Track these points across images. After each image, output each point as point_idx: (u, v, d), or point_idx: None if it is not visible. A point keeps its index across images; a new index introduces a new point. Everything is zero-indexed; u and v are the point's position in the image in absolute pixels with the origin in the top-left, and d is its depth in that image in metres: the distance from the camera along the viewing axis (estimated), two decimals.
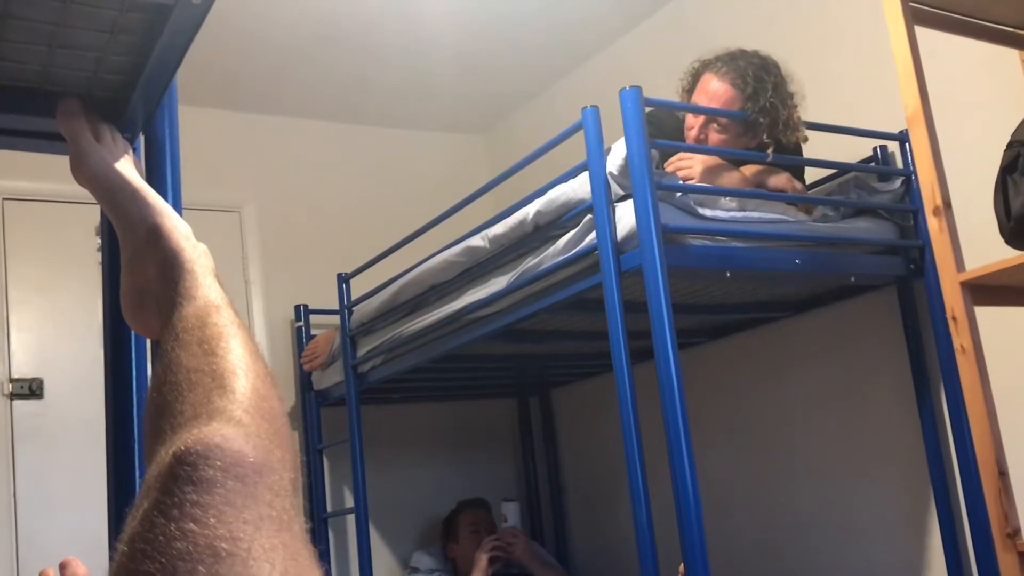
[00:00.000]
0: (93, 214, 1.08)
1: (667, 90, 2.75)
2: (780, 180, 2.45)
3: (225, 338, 0.74)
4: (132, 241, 0.94)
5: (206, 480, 0.53)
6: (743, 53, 2.45)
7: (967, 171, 2.25)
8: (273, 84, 3.76)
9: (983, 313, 1.93)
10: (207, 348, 0.72)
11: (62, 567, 1.32)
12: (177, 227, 0.93)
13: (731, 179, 2.40)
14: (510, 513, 3.56)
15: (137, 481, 1.10)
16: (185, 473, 0.53)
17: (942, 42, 2.26)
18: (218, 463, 0.54)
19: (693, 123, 2.47)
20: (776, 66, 2.44)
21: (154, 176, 1.12)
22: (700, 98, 2.46)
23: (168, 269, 0.87)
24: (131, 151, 1.05)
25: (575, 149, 2.27)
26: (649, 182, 2.06)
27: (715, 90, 2.42)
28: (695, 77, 2.51)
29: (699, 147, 2.44)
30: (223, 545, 0.50)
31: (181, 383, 0.68)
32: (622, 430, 2.07)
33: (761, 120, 2.36)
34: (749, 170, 2.45)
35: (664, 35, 3.48)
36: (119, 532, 0.54)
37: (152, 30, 0.97)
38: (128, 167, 1.00)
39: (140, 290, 0.92)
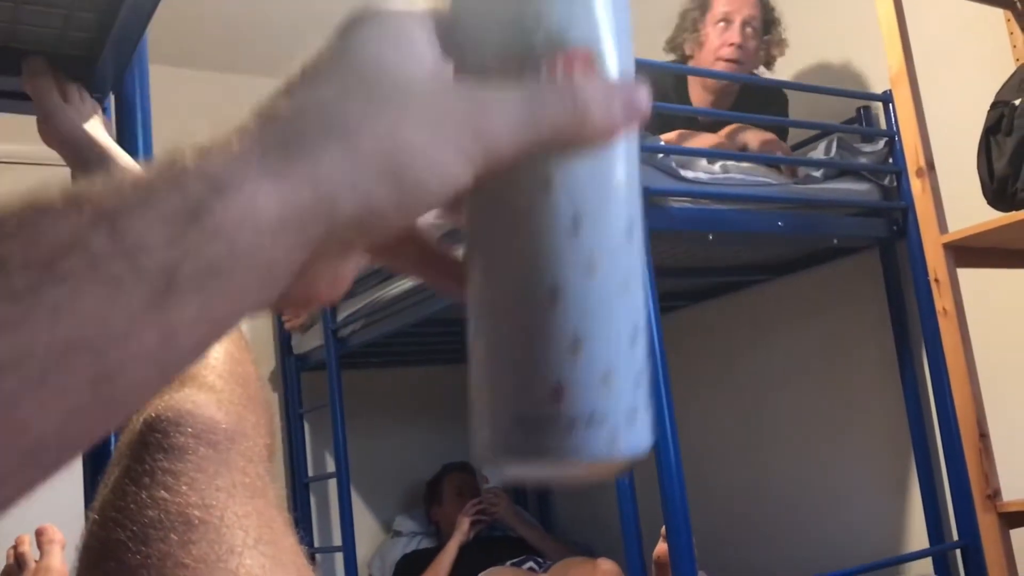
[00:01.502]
0: (60, 176, 1.05)
1: (651, 48, 2.73)
2: (755, 136, 2.43)
3: None
4: None
5: (177, 447, 0.52)
6: None
7: (951, 132, 2.24)
8: (250, 44, 3.70)
9: (965, 275, 1.93)
10: None
11: (38, 534, 1.30)
12: None
13: (707, 140, 2.40)
14: (492, 474, 3.57)
15: (112, 447, 1.08)
16: (156, 440, 0.52)
17: (926, 1, 2.24)
18: (189, 430, 0.53)
19: (724, 35, 2.49)
20: None
21: (125, 136, 1.10)
22: (730, 8, 2.49)
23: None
24: (100, 110, 1.03)
25: None
26: None
27: None
28: (702, 4, 2.55)
29: (682, 108, 2.41)
30: (195, 512, 0.49)
31: None
32: None
33: (775, 20, 2.51)
34: (723, 131, 2.44)
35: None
36: (93, 499, 0.53)
37: None
38: (97, 127, 0.98)
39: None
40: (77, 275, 0.26)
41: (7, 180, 3.36)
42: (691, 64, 2.58)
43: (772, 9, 2.56)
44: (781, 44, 2.56)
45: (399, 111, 0.32)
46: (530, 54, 0.34)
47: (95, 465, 1.08)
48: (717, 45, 2.52)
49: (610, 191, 0.35)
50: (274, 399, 3.61)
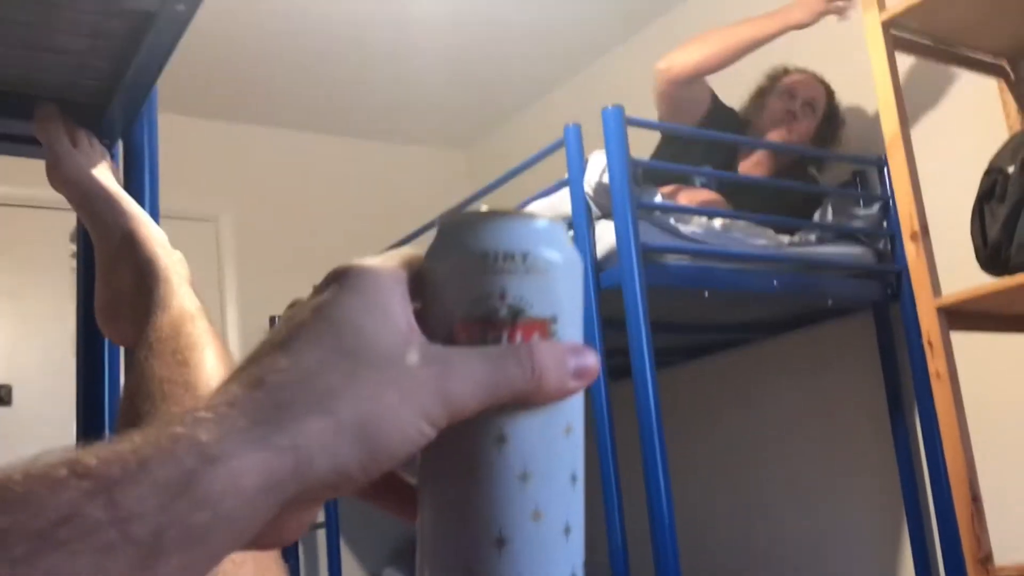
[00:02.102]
0: (66, 220, 1.07)
1: (653, 109, 2.76)
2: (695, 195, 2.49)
3: (199, 348, 0.73)
4: (107, 247, 0.93)
5: None
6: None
7: (944, 197, 2.27)
8: (253, 93, 3.74)
9: (959, 338, 1.94)
10: (180, 359, 0.71)
11: None
12: (152, 234, 0.92)
13: (700, 195, 2.45)
14: None
15: None
16: None
17: (922, 69, 2.28)
18: None
19: (787, 104, 2.61)
20: None
21: (132, 183, 1.11)
22: (800, 88, 2.62)
23: (142, 276, 0.86)
24: (108, 157, 1.04)
25: (557, 167, 2.27)
26: (630, 201, 2.06)
27: (811, 83, 2.62)
28: (773, 78, 2.68)
29: (681, 167, 2.44)
30: None
31: (154, 393, 0.67)
32: (597, 447, 2.07)
33: (836, 119, 2.61)
34: (667, 189, 2.47)
35: (648, 55, 3.49)
36: None
37: (134, 36, 0.96)
38: (105, 173, 0.99)
39: (114, 297, 0.91)
40: (73, 542, 0.29)
41: (14, 223, 3.38)
42: (750, 132, 2.65)
43: (836, 108, 2.65)
44: (831, 139, 2.65)
45: (375, 380, 0.35)
46: (493, 321, 0.38)
47: None
48: (775, 111, 2.62)
49: (558, 446, 0.39)
50: None
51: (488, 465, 0.37)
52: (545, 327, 0.38)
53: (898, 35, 2.09)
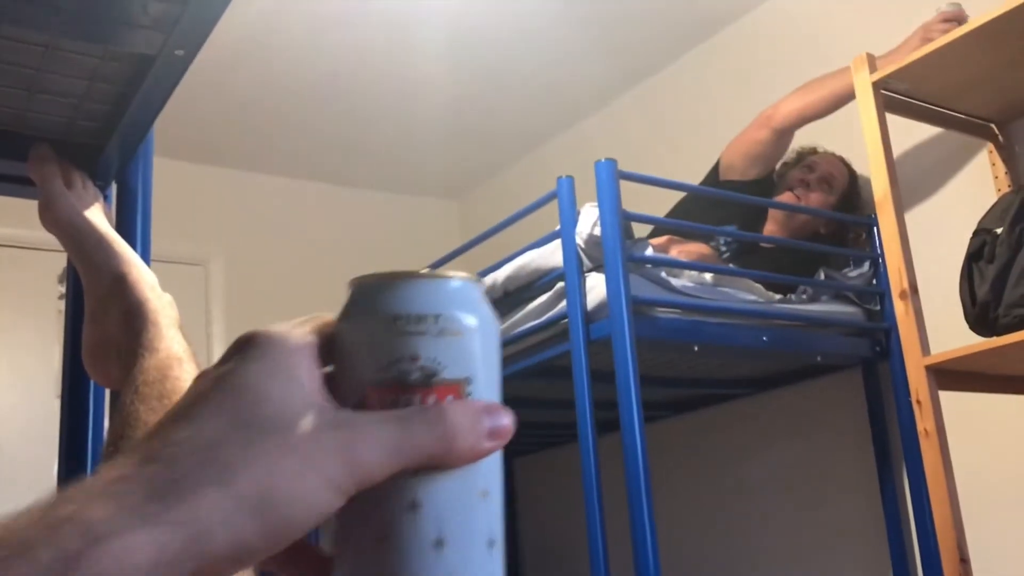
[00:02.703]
0: (52, 261, 1.07)
1: (645, 162, 2.79)
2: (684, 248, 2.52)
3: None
4: (96, 289, 0.93)
5: None
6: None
7: (934, 257, 2.29)
8: (246, 140, 3.76)
9: (947, 397, 1.94)
10: (167, 403, 0.71)
11: None
12: (143, 277, 0.92)
13: (692, 247, 2.47)
14: None
15: None
16: None
17: (912, 130, 2.31)
18: None
19: (804, 175, 2.67)
20: None
21: (124, 225, 1.11)
22: (821, 161, 2.69)
23: (131, 319, 0.86)
24: (102, 199, 1.04)
25: (549, 220, 2.28)
26: (621, 254, 2.06)
27: (833, 162, 2.68)
28: (801, 155, 2.75)
29: (670, 221, 2.45)
30: None
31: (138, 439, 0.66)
32: (584, 501, 2.05)
33: (853, 202, 2.64)
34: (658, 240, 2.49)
35: (643, 110, 3.53)
36: None
37: (132, 80, 0.97)
38: (97, 214, 0.99)
39: (103, 339, 0.90)
40: None
41: (6, 264, 3.37)
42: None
43: (857, 194, 2.67)
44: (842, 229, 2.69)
45: (276, 448, 0.34)
46: (406, 384, 0.37)
47: None
48: (793, 179, 2.68)
49: (474, 511, 0.38)
50: None
51: (401, 532, 0.36)
52: (459, 389, 0.38)
53: (888, 95, 2.11)
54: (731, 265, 2.56)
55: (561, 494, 3.69)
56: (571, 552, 3.60)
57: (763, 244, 2.67)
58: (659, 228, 2.61)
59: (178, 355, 0.79)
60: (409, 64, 3.30)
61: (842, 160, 2.71)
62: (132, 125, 1.03)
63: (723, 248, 2.64)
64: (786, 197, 2.66)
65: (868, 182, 2.60)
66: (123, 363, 0.83)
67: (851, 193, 2.67)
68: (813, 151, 2.75)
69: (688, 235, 2.55)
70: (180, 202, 3.69)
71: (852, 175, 2.69)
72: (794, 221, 2.68)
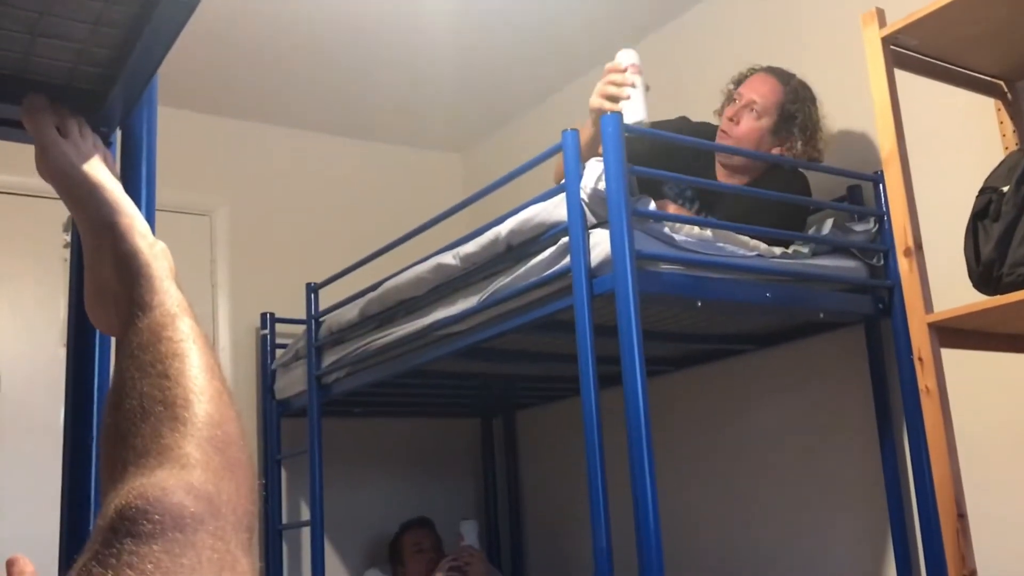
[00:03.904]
0: (60, 209, 1.07)
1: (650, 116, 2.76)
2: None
3: (180, 356, 0.72)
4: (89, 239, 0.93)
5: (145, 533, 0.54)
6: (800, 79, 2.62)
7: (939, 214, 2.28)
8: (253, 90, 3.74)
9: (949, 355, 1.94)
10: (160, 369, 0.71)
11: (9, 565, 1.29)
12: (134, 225, 0.91)
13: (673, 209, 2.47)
14: (467, 532, 3.53)
15: (93, 483, 1.08)
16: (125, 527, 0.55)
17: (920, 86, 2.29)
18: (157, 517, 0.55)
19: (730, 111, 2.60)
20: (817, 99, 2.61)
21: (129, 173, 1.11)
22: (744, 90, 2.60)
23: (124, 270, 0.86)
24: (101, 147, 1.04)
25: (553, 173, 2.27)
26: (626, 209, 2.06)
27: (761, 82, 2.59)
28: (740, 80, 2.65)
29: (677, 176, 2.44)
30: None
31: (135, 411, 0.68)
32: (586, 454, 2.06)
33: (795, 115, 2.53)
34: None
35: (650, 62, 3.49)
36: (71, 533, 0.54)
37: (137, 24, 0.96)
38: (94, 163, 0.98)
39: (99, 288, 0.90)
40: None
41: (8, 210, 3.36)
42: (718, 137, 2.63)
43: (796, 104, 2.56)
44: (791, 145, 2.56)
45: None
46: None
47: (73, 500, 1.08)
48: (724, 117, 2.62)
49: None
50: (252, 443, 3.59)
51: None
52: None
53: (897, 51, 2.09)
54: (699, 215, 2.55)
55: (562, 447, 3.72)
56: (572, 505, 3.64)
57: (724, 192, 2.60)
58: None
59: (172, 312, 0.79)
60: (415, 15, 3.27)
61: (772, 74, 2.60)
62: (136, 71, 1.02)
63: (682, 201, 2.62)
64: (719, 138, 2.60)
65: (858, 130, 2.59)
66: (120, 315, 0.83)
67: (790, 107, 2.55)
68: (741, 79, 2.64)
69: (656, 194, 2.51)
70: (185, 152, 3.68)
71: (788, 86, 2.57)
72: (736, 161, 2.60)
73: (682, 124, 2.70)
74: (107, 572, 0.51)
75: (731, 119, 2.58)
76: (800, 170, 2.63)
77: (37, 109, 1.00)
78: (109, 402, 0.72)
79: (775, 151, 2.57)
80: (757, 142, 2.56)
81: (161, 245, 0.90)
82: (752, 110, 2.56)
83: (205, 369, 0.72)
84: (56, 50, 0.99)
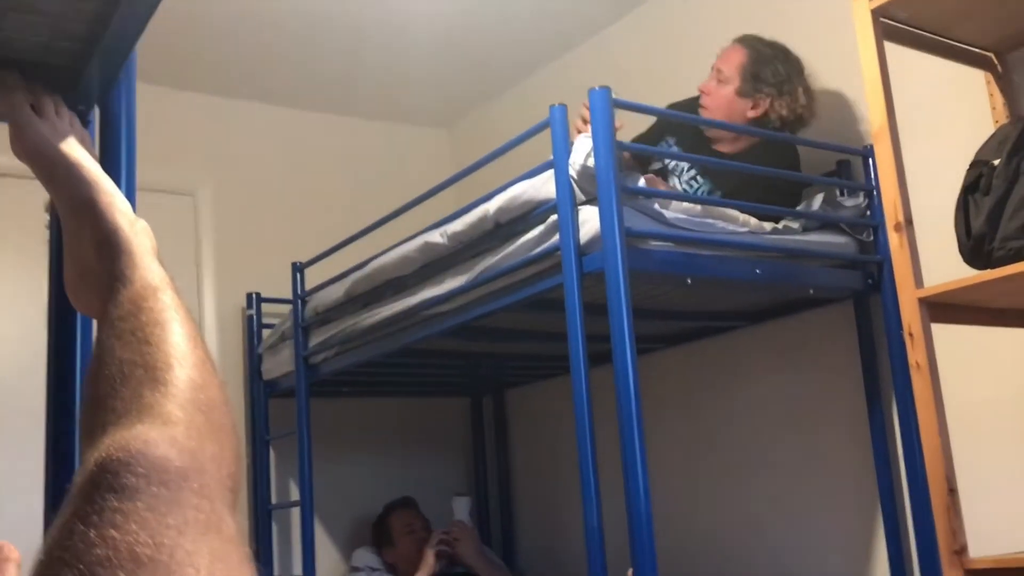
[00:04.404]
0: (42, 190, 1.04)
1: (641, 89, 2.75)
2: None
3: (161, 324, 0.70)
4: (69, 219, 0.91)
5: (128, 487, 0.51)
6: (773, 42, 2.65)
7: (929, 188, 2.27)
8: (236, 66, 3.69)
9: (938, 330, 1.94)
10: (141, 336, 0.69)
11: None
12: (114, 203, 0.89)
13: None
14: (459, 508, 3.53)
15: (76, 469, 1.06)
16: (107, 481, 0.52)
17: (910, 60, 2.27)
18: (140, 470, 0.53)
19: (702, 85, 2.67)
20: (795, 57, 2.63)
21: (108, 152, 1.08)
22: (716, 62, 2.66)
23: (104, 248, 0.84)
24: (78, 125, 1.01)
25: (541, 149, 2.25)
26: (615, 185, 2.04)
27: (730, 51, 2.63)
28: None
29: (666, 152, 2.43)
30: (145, 551, 0.48)
31: (114, 376, 0.65)
32: (576, 433, 2.06)
33: (760, 73, 2.56)
34: None
35: (635, 37, 3.47)
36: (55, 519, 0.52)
37: None
38: (71, 142, 0.96)
39: (80, 269, 0.88)
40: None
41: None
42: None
43: (760, 63, 2.59)
44: (762, 102, 2.58)
45: None
46: None
47: (57, 486, 1.06)
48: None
49: None
50: (240, 424, 3.57)
51: None
52: None
53: (887, 23, 2.08)
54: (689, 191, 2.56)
55: (552, 426, 3.72)
56: (562, 483, 3.64)
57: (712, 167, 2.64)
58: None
59: (153, 284, 0.77)
60: None
61: (740, 42, 2.64)
62: (113, 46, 0.99)
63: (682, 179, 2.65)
64: (700, 113, 2.65)
65: (847, 104, 2.57)
66: (102, 294, 0.81)
67: (753, 67, 2.58)
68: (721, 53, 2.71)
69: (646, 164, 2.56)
70: (167, 130, 3.64)
71: (752, 48, 2.61)
72: (716, 133, 2.66)
73: (688, 103, 2.71)
74: (89, 531, 0.48)
75: (704, 92, 2.64)
76: (781, 147, 2.63)
77: (10, 87, 0.98)
78: (88, 374, 0.69)
79: (750, 114, 2.60)
80: (728, 108, 2.60)
81: (143, 223, 0.88)
82: (720, 79, 2.61)
83: (188, 337, 0.70)
84: (29, 25, 0.97)
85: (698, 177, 2.63)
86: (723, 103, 2.60)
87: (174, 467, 0.54)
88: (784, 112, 2.57)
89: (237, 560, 0.52)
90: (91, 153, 0.99)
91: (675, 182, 2.67)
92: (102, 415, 0.62)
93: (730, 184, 2.49)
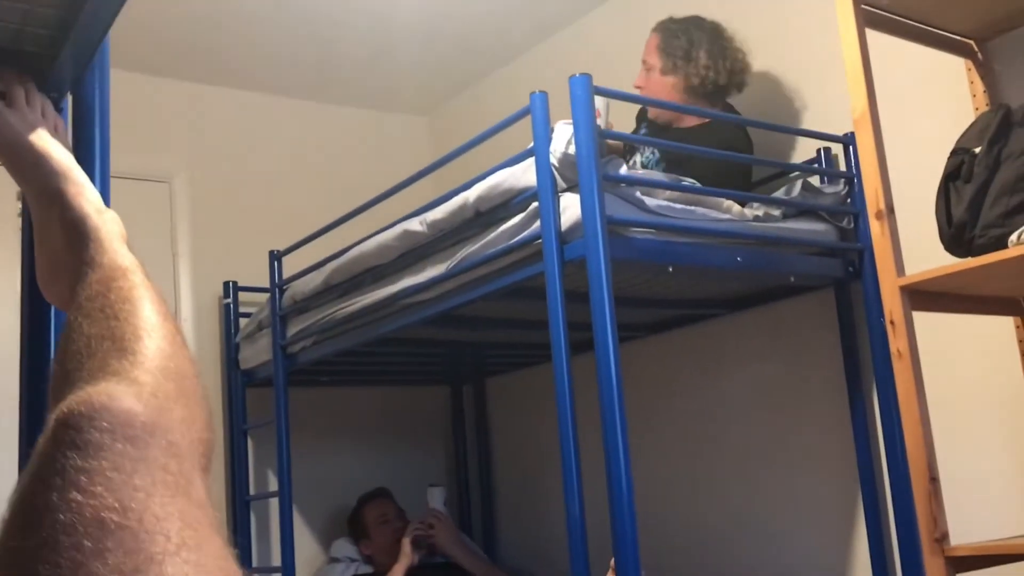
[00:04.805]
0: (12, 180, 1.02)
1: (622, 76, 2.73)
2: None
3: (131, 301, 0.68)
4: (38, 210, 0.89)
5: (91, 444, 0.48)
6: (685, 17, 2.73)
7: (910, 176, 2.26)
8: (212, 52, 3.65)
9: (919, 318, 1.94)
10: (110, 312, 0.66)
11: None
12: (82, 192, 0.87)
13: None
14: (434, 498, 3.52)
15: None
16: (69, 437, 0.49)
17: (891, 47, 2.27)
18: (104, 424, 0.50)
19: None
20: (709, 24, 2.69)
21: (81, 140, 1.06)
22: (643, 54, 2.73)
23: (73, 237, 0.82)
24: (51, 113, 0.99)
25: (522, 136, 2.23)
26: (596, 173, 2.02)
27: (649, 40, 2.73)
28: None
29: (648, 140, 2.42)
30: (111, 516, 0.45)
31: (81, 351, 0.62)
32: (558, 421, 2.05)
33: (674, 48, 2.64)
34: None
35: (618, 24, 3.45)
36: None
37: None
38: (40, 133, 0.94)
39: (51, 260, 0.86)
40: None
41: None
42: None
43: (672, 38, 2.67)
44: (679, 70, 2.66)
45: None
46: None
47: None
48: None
49: None
50: (218, 414, 3.54)
51: None
52: None
53: (869, 10, 2.07)
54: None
55: (533, 414, 3.71)
56: (544, 472, 3.63)
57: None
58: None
59: (122, 266, 0.75)
60: None
61: (654, 28, 2.73)
62: (85, 32, 0.97)
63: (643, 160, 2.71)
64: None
65: (828, 91, 2.57)
66: (72, 283, 0.79)
67: (667, 45, 2.67)
68: None
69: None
70: (143, 117, 3.59)
71: (663, 27, 2.71)
72: (660, 120, 2.72)
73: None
74: (51, 494, 0.46)
75: (639, 87, 2.73)
76: (734, 123, 2.67)
77: None
78: (56, 356, 0.67)
79: (674, 86, 2.65)
80: (661, 92, 2.67)
81: (112, 213, 0.86)
82: (647, 70, 2.70)
83: (157, 312, 0.67)
84: (0, 11, 0.94)
85: (655, 150, 2.68)
86: (656, 89, 2.67)
87: (139, 422, 0.51)
88: (695, 81, 2.63)
89: (208, 526, 0.49)
90: (63, 142, 0.96)
91: (636, 158, 2.69)
92: (67, 388, 0.58)
93: (682, 159, 2.52)
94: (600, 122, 2.38)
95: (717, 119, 2.62)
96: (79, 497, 0.45)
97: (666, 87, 2.66)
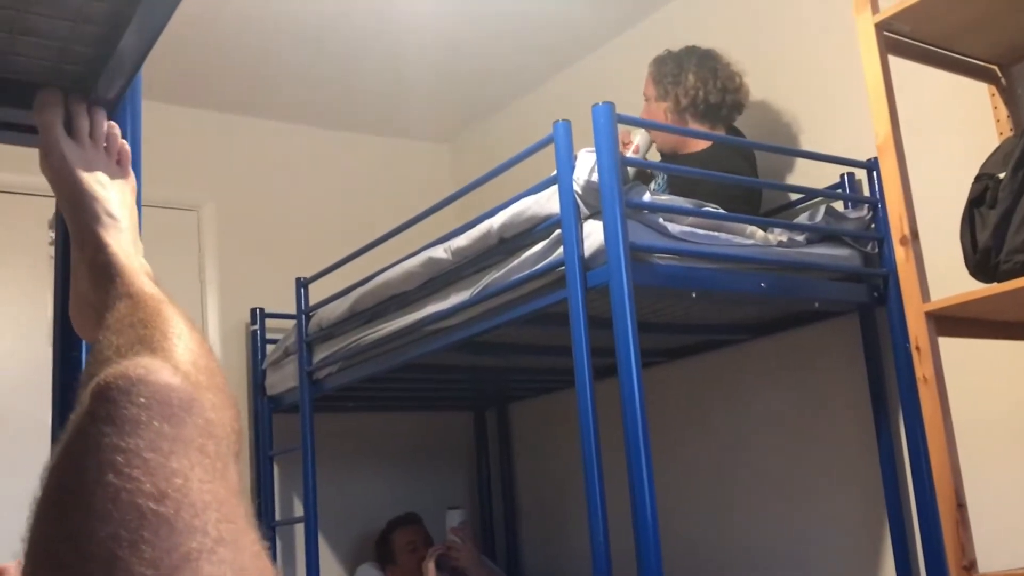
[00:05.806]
0: (45, 207, 1.04)
1: (638, 106, 2.75)
2: None
3: (160, 314, 0.68)
4: (74, 247, 0.91)
5: (129, 420, 0.46)
6: (676, 49, 2.80)
7: (934, 202, 2.26)
8: (238, 83, 3.70)
9: (945, 343, 1.93)
10: (138, 324, 0.66)
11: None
12: (117, 239, 0.88)
13: None
14: (453, 521, 3.51)
15: None
16: (105, 411, 0.47)
17: (914, 73, 2.27)
18: (141, 399, 0.48)
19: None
20: (702, 50, 2.75)
21: None
22: (644, 90, 2.82)
23: (100, 280, 0.83)
24: (114, 145, 1.00)
25: (544, 163, 2.25)
26: (619, 200, 2.04)
27: (646, 77, 2.80)
28: None
29: (665, 166, 2.43)
30: (148, 504, 0.43)
31: (111, 358, 0.60)
32: (581, 446, 2.05)
33: (664, 75, 2.71)
34: None
35: (639, 52, 3.47)
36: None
37: (118, 21, 0.93)
38: (93, 172, 0.95)
39: (80, 297, 0.88)
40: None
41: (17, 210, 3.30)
42: None
43: (661, 67, 2.74)
44: (669, 93, 2.71)
45: None
46: None
47: None
48: None
49: None
50: (244, 440, 3.56)
51: None
52: None
53: (891, 37, 2.08)
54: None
55: (556, 439, 3.71)
56: (567, 497, 3.62)
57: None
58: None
59: (151, 292, 0.74)
60: (400, 5, 3.24)
61: (650, 64, 2.80)
62: (119, 68, 0.99)
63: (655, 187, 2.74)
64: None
65: (851, 117, 2.57)
66: (99, 320, 0.80)
67: (658, 74, 2.74)
68: None
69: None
70: (171, 147, 3.64)
71: (654, 62, 2.78)
72: (664, 148, 2.76)
73: None
74: (86, 475, 0.43)
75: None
76: (735, 147, 2.70)
77: (49, 105, 0.97)
78: (85, 368, 0.66)
79: (667, 111, 2.71)
80: (661, 119, 2.72)
81: (141, 259, 0.88)
82: (645, 98, 2.78)
83: (186, 324, 0.66)
84: (37, 48, 0.97)
85: (664, 177, 2.72)
86: (653, 118, 2.74)
87: (177, 397, 0.49)
88: (684, 101, 2.68)
89: (243, 517, 0.47)
90: (123, 175, 0.98)
91: (650, 186, 2.72)
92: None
93: (689, 185, 2.54)
94: (638, 156, 2.52)
95: (719, 144, 2.63)
96: (116, 480, 0.44)
97: (660, 114, 2.72)
